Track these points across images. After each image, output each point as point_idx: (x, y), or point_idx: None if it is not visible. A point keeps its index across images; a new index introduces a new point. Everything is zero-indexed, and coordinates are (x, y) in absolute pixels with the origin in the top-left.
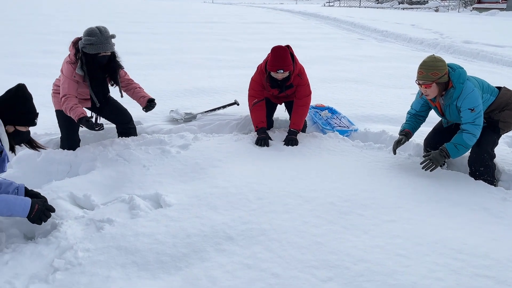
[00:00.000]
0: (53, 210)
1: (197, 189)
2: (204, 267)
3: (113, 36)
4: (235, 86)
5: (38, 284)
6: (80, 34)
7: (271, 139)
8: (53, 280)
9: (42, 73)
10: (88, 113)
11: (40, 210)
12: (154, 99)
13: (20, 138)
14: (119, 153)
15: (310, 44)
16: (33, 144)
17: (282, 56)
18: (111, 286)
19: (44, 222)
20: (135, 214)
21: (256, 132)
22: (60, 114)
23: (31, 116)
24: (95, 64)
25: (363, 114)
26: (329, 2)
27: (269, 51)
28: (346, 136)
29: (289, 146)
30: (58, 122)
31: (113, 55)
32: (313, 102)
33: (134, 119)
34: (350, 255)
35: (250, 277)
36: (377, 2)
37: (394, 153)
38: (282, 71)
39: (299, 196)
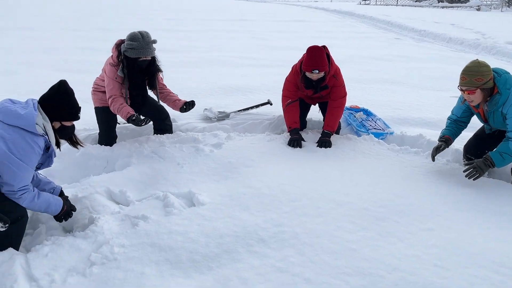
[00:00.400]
0: (75, 209)
1: (230, 189)
2: (235, 268)
3: (154, 41)
4: (268, 85)
5: (75, 277)
6: (116, 31)
7: (304, 140)
8: (90, 274)
9: (81, 69)
10: None
11: (66, 212)
12: (192, 101)
13: (66, 133)
14: (154, 150)
15: (345, 43)
16: (73, 140)
17: (317, 56)
18: (145, 283)
19: (65, 221)
20: (169, 212)
21: (289, 133)
22: (99, 111)
23: (75, 111)
24: (135, 67)
25: (399, 117)
26: (364, 0)
27: (304, 51)
28: (381, 139)
29: (322, 148)
30: (97, 119)
31: (153, 60)
32: (347, 104)
33: (170, 116)
34: (384, 263)
35: (281, 280)
36: (415, 0)
37: (433, 159)
38: (317, 71)
39: (332, 200)
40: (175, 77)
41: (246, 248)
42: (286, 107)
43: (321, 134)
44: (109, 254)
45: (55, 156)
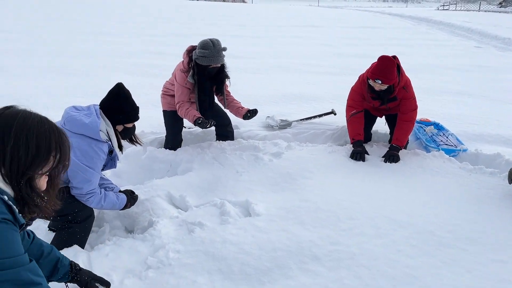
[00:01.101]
0: (136, 198)
1: (287, 201)
2: (287, 285)
3: (224, 49)
4: (333, 94)
5: (132, 279)
6: (186, 36)
7: (367, 154)
8: (145, 277)
9: (151, 73)
10: None
11: (130, 206)
12: (255, 110)
13: (128, 133)
14: (215, 157)
15: (418, 51)
16: (132, 139)
17: (386, 66)
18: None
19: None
20: (224, 221)
21: (351, 145)
22: (166, 114)
23: (134, 112)
24: (205, 74)
25: (474, 133)
26: (443, 5)
27: (374, 59)
28: (453, 156)
29: (387, 163)
30: (165, 122)
31: (222, 67)
32: (417, 116)
33: (231, 122)
34: None
35: None
36: (499, 5)
37: (510, 182)
38: (380, 82)
39: (393, 221)
40: (240, 83)
41: (299, 265)
42: (350, 117)
43: (388, 148)
44: (165, 259)
45: (118, 160)
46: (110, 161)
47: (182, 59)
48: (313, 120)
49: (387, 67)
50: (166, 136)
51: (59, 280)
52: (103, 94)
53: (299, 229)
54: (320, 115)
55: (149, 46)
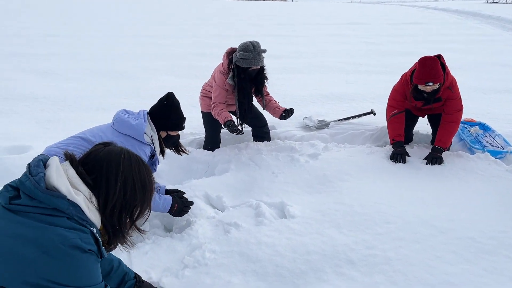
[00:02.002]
0: (191, 203)
1: (322, 203)
2: None
3: (264, 51)
4: (374, 93)
5: (169, 277)
6: (228, 37)
7: (408, 155)
8: (182, 276)
9: (193, 74)
10: (233, 117)
11: (179, 208)
12: (291, 109)
13: (171, 141)
14: (251, 157)
15: (465, 47)
16: (178, 148)
17: (431, 67)
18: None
19: (186, 214)
20: (260, 222)
21: (391, 146)
22: (206, 116)
23: (180, 122)
24: (245, 76)
25: None
26: None
27: (418, 56)
28: (499, 158)
29: (429, 165)
30: (204, 123)
31: (262, 69)
32: (463, 117)
33: (268, 123)
34: None
35: None
36: None
37: None
38: (431, 83)
39: (432, 226)
40: (278, 83)
41: (334, 269)
42: (390, 118)
43: (431, 149)
44: (201, 259)
45: (158, 164)
46: (151, 165)
47: (222, 61)
48: (351, 121)
49: (433, 67)
50: (205, 137)
51: None
52: (145, 95)
53: (334, 232)
54: (359, 115)
55: (191, 48)
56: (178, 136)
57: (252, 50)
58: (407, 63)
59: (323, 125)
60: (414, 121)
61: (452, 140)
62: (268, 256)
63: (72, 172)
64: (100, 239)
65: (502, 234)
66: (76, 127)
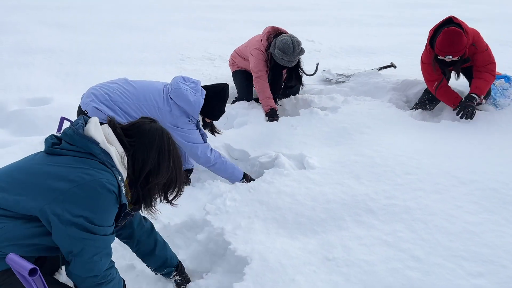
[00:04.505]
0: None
1: (342, 155)
2: (340, 236)
3: (301, 53)
4: (394, 46)
5: (191, 223)
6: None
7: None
8: (203, 221)
9: (211, 27)
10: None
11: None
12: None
13: (205, 124)
14: None
15: None
16: (213, 129)
17: (453, 40)
18: (252, 237)
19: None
20: (279, 172)
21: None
22: (237, 73)
23: (219, 115)
24: (279, 69)
25: None
26: None
27: (438, 11)
28: None
29: (461, 115)
30: (235, 81)
31: (297, 64)
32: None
33: None
34: (510, 252)
35: (387, 255)
36: None
37: None
38: (451, 57)
39: (454, 177)
40: (298, 36)
41: (353, 217)
42: (436, 91)
43: (465, 97)
44: (222, 206)
45: (207, 137)
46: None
47: (261, 40)
48: (372, 74)
49: (455, 40)
50: (238, 91)
51: (164, 275)
52: (161, 48)
53: (354, 183)
54: (379, 68)
55: (207, 0)
56: (211, 123)
57: (290, 54)
58: (429, 15)
59: (342, 78)
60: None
61: None
62: (288, 204)
63: (108, 129)
64: (122, 187)
65: None
66: (95, 81)
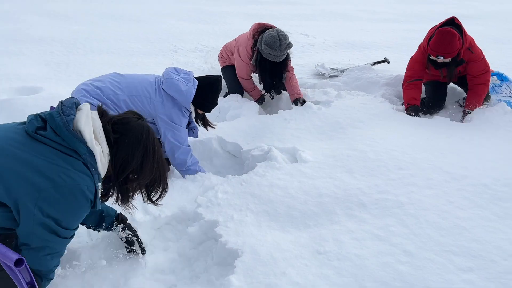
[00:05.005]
0: None
1: (334, 149)
2: (332, 230)
3: (289, 47)
4: (389, 41)
5: (182, 216)
6: None
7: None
8: (194, 213)
9: (205, 19)
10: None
11: None
12: (304, 101)
13: (196, 115)
14: (263, 104)
15: None
16: (205, 122)
17: (446, 40)
18: (244, 230)
19: None
20: (271, 166)
21: (406, 111)
22: (226, 69)
23: (212, 106)
24: (266, 64)
25: None
26: None
27: (434, 8)
28: None
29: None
30: (225, 77)
31: (285, 59)
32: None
33: None
34: (499, 248)
35: (379, 249)
36: None
37: None
38: (442, 57)
39: (446, 172)
40: (291, 30)
41: (345, 211)
42: (407, 83)
43: (462, 112)
44: (213, 199)
45: (198, 130)
46: (189, 131)
47: (247, 35)
48: (365, 69)
49: (448, 41)
50: (228, 88)
51: (107, 229)
52: (154, 39)
53: (347, 177)
54: (373, 63)
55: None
56: (204, 115)
57: (277, 48)
58: (424, 11)
59: (336, 73)
60: (444, 90)
61: None
62: (280, 198)
63: (98, 124)
64: (99, 190)
65: None
66: (86, 71)
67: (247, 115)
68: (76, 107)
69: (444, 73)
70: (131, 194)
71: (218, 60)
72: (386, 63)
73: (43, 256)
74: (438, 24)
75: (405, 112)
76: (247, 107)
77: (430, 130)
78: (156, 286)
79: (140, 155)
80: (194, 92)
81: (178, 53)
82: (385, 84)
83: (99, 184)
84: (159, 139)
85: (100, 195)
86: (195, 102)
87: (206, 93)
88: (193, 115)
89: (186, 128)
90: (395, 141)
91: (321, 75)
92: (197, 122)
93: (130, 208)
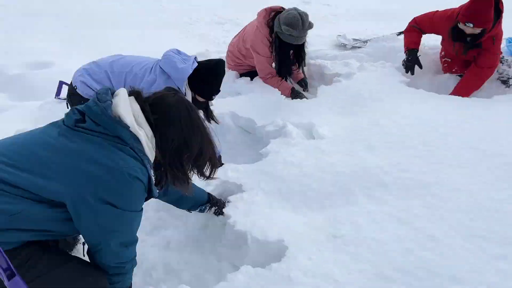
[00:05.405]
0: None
1: (355, 124)
2: (349, 211)
3: (310, 27)
4: (414, 10)
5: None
6: None
7: (420, 67)
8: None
9: None
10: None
11: None
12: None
13: (197, 106)
14: None
15: None
16: (208, 114)
17: (481, 7)
18: (254, 210)
19: None
20: (286, 142)
21: (405, 54)
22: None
23: (212, 92)
24: (287, 49)
25: None
26: None
27: None
28: None
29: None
30: None
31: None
32: (509, 34)
33: None
34: None
35: (400, 233)
36: None
37: None
38: (472, 25)
39: (478, 149)
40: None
41: (364, 191)
42: (409, 27)
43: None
44: (223, 177)
45: None
46: None
47: (257, 24)
48: (390, 38)
49: (482, 8)
50: None
51: (200, 212)
52: (170, 11)
53: (367, 154)
54: (399, 33)
55: None
56: (205, 103)
57: (300, 28)
58: None
59: (359, 43)
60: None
61: None
62: (294, 176)
63: (137, 107)
64: (152, 176)
65: None
66: (100, 45)
67: (263, 89)
68: (112, 94)
69: (457, 47)
70: (185, 175)
71: (229, 68)
72: None
73: (116, 247)
74: None
75: (403, 61)
76: (260, 85)
77: (460, 102)
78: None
79: (187, 133)
80: (191, 71)
81: (194, 25)
82: None
83: (151, 169)
84: None
85: (154, 182)
86: (194, 87)
87: (206, 77)
88: (189, 98)
89: None
90: (421, 116)
91: (343, 46)
92: (203, 111)
93: (188, 187)
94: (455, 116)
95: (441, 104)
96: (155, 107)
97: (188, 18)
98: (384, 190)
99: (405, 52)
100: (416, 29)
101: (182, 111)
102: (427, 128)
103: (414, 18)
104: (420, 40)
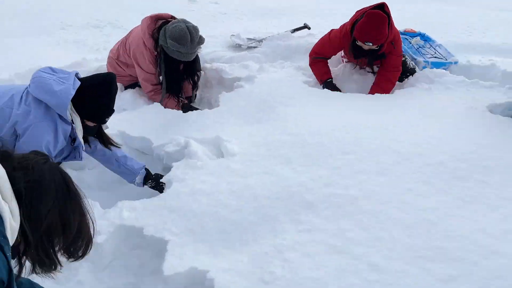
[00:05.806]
0: None
1: (265, 135)
2: (277, 246)
3: (201, 42)
4: (306, 6)
5: None
6: None
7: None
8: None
9: None
10: None
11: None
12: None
13: (88, 131)
14: None
15: None
16: (104, 140)
17: (376, 25)
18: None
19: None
20: (192, 165)
21: (322, 87)
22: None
23: (104, 114)
24: (174, 65)
25: (462, 42)
26: None
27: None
28: (444, 69)
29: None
30: None
31: (196, 58)
32: (401, 27)
33: None
34: (476, 243)
35: (338, 265)
36: None
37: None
38: (370, 44)
39: (396, 152)
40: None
41: (290, 216)
42: (312, 60)
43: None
44: (117, 221)
45: (83, 149)
46: (73, 150)
47: (141, 35)
48: (285, 36)
49: (379, 25)
50: None
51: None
52: (36, 14)
53: (285, 169)
54: (292, 31)
55: None
56: (97, 127)
57: (188, 44)
58: None
59: (253, 43)
60: None
61: None
62: (206, 208)
63: (5, 176)
64: (12, 269)
65: (471, 156)
66: None
67: (156, 104)
68: None
69: (363, 64)
70: (53, 259)
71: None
72: (306, 29)
73: None
74: (365, 8)
75: (321, 85)
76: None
77: (369, 102)
78: None
79: (63, 207)
80: (73, 93)
81: (67, 30)
82: (308, 51)
83: (9, 257)
84: None
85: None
86: (78, 110)
87: (93, 95)
88: (77, 127)
89: (71, 145)
90: (332, 118)
91: (237, 47)
92: (86, 140)
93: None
94: (366, 116)
95: (350, 105)
96: (25, 172)
97: (60, 22)
98: (311, 211)
99: (320, 84)
100: (320, 59)
101: (57, 180)
102: (342, 133)
103: (312, 50)
104: (328, 68)
